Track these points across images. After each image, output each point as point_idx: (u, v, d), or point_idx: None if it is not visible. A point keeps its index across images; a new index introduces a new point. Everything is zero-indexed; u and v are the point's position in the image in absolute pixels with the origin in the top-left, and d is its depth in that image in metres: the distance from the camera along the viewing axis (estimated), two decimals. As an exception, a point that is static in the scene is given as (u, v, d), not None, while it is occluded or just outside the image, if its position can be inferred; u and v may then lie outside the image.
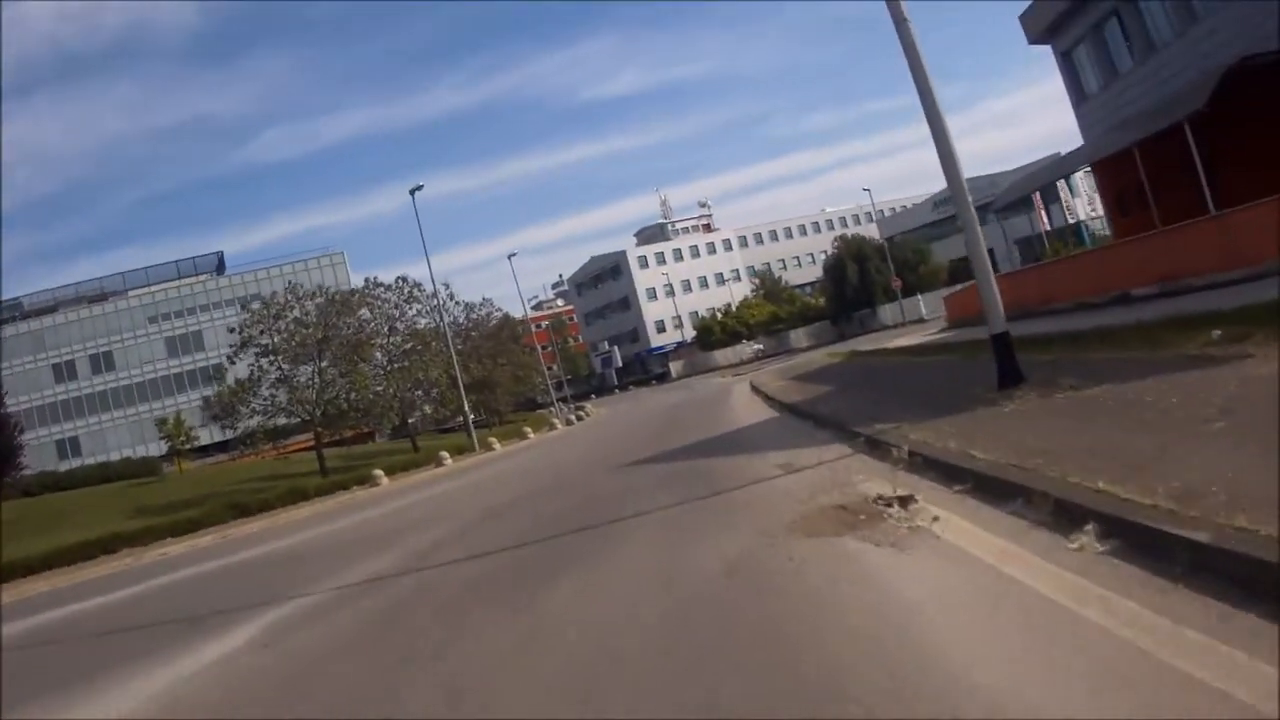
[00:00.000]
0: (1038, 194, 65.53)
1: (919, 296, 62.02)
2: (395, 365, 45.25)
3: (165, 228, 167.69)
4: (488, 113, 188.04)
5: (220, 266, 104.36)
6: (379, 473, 32.92)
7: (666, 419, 26.22)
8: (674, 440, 16.96)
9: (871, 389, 15.55)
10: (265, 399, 39.57)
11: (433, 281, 42.27)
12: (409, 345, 47.49)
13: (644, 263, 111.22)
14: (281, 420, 40.78)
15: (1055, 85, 30.16)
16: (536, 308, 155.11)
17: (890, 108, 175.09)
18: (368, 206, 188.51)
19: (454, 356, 41.50)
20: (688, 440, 16.11)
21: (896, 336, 41.87)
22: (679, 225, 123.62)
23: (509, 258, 77.05)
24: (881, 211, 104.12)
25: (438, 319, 46.64)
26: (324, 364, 40.26)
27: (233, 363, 42.68)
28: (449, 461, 35.15)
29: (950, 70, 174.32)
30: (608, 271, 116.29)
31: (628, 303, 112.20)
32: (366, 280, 47.52)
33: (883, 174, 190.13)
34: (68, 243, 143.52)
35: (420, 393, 46.97)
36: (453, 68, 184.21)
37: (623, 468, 14.56)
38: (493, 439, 38.91)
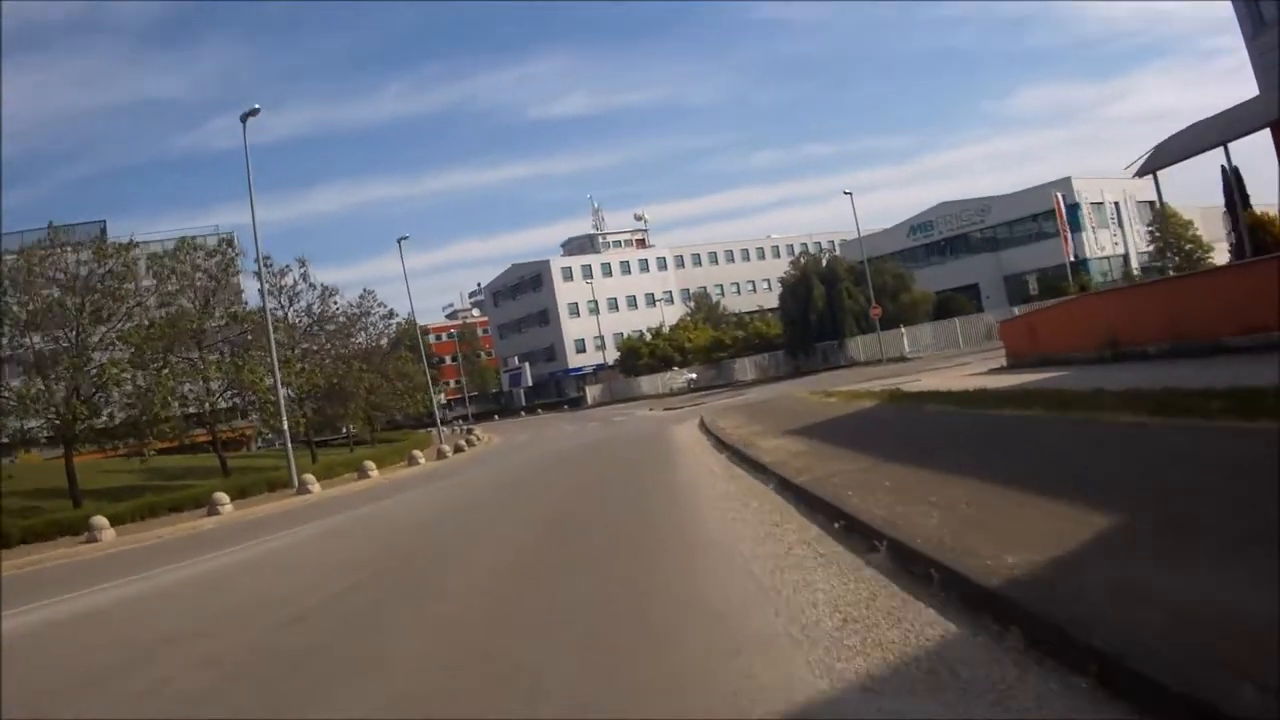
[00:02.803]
0: (1063, 218, 55.64)
1: (902, 329, 50.65)
2: (209, 359, 32.27)
3: (98, 208, 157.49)
4: (431, 122, 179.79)
5: (102, 237, 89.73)
6: (102, 521, 21.19)
7: (565, 499, 13.95)
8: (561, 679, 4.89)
9: None
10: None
11: (256, 245, 29.19)
12: (235, 332, 34.45)
13: (568, 275, 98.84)
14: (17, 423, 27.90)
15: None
16: (451, 316, 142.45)
17: (829, 153, 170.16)
18: (304, 206, 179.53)
19: (273, 351, 28.35)
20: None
21: (896, 376, 30.12)
22: (610, 238, 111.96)
23: (398, 241, 63.20)
24: (832, 244, 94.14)
25: (268, 300, 33.42)
26: (92, 348, 27.30)
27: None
28: (225, 508, 23.02)
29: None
30: (528, 282, 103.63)
31: (546, 317, 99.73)
32: (182, 241, 34.35)
33: (821, 217, 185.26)
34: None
35: (238, 399, 33.78)
36: (403, 73, 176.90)
37: None
38: (310, 478, 26.05)
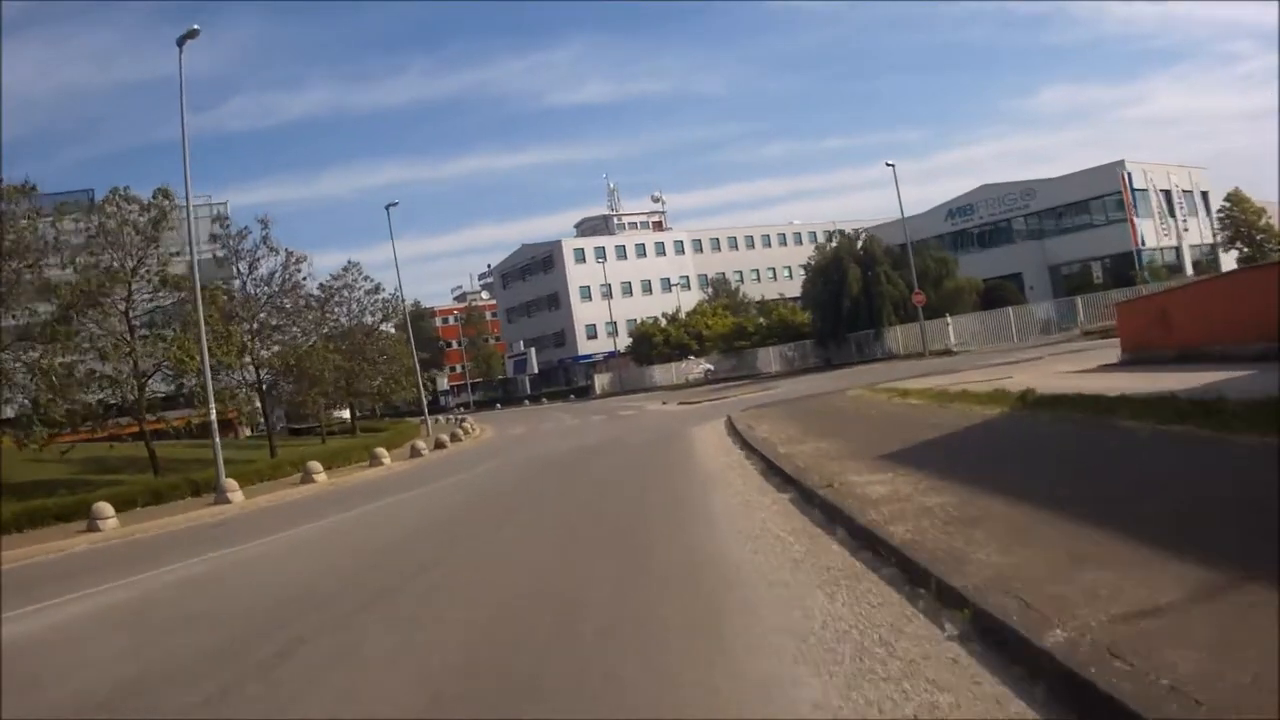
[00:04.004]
0: (1130, 201, 49.70)
1: (947, 319, 44.56)
2: (140, 334, 27.04)
3: (103, 186, 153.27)
4: (447, 107, 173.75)
5: (91, 207, 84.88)
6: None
7: (524, 573, 8.53)
8: None
9: None
10: None
11: (187, 187, 23.32)
12: (169, 300, 29.07)
13: (580, 256, 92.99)
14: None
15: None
16: (459, 299, 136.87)
17: (844, 145, 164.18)
18: (317, 187, 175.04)
19: (201, 322, 22.77)
20: None
21: (953, 371, 24.40)
22: (626, 219, 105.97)
23: (386, 208, 57.01)
24: (856, 231, 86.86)
25: (219, 265, 27.94)
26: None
27: None
28: (109, 523, 18.17)
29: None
30: (538, 263, 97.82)
31: (557, 300, 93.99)
32: (112, 192, 28.99)
33: (837, 208, 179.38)
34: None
35: (178, 383, 28.38)
36: (421, 57, 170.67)
37: None
38: (232, 484, 20.65)
